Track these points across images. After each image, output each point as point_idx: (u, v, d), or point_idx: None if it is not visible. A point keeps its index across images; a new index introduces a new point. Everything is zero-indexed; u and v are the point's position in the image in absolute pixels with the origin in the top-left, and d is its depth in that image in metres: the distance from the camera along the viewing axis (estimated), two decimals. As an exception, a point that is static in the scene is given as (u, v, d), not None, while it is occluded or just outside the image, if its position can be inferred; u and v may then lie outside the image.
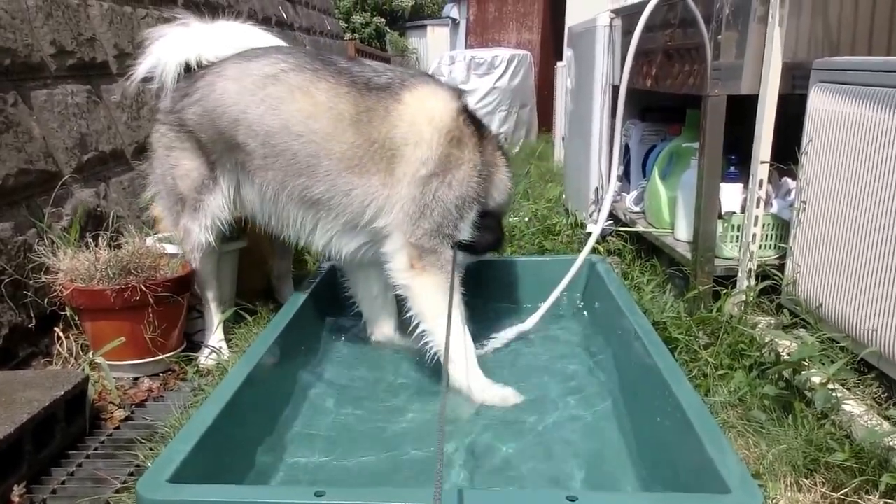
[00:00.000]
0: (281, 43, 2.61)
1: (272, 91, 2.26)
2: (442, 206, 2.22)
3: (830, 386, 1.91)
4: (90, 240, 2.51)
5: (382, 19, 18.51)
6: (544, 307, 2.56)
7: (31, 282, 2.43)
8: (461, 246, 2.35)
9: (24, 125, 2.64)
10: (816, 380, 1.94)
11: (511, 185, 2.48)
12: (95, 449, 2.04)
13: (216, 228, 2.50)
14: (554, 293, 2.59)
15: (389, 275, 2.27)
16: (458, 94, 2.36)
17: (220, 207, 2.47)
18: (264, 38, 2.59)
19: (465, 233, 2.35)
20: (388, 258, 2.27)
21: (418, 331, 2.23)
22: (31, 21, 2.86)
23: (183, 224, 2.51)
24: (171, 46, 2.46)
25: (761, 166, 2.49)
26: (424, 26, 18.65)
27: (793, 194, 2.59)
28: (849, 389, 2.03)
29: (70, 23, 3.13)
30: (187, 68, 2.45)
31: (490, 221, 2.41)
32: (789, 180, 2.72)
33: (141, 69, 2.48)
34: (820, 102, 2.29)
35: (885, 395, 2.01)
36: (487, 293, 2.75)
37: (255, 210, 2.47)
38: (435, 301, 2.18)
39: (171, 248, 2.59)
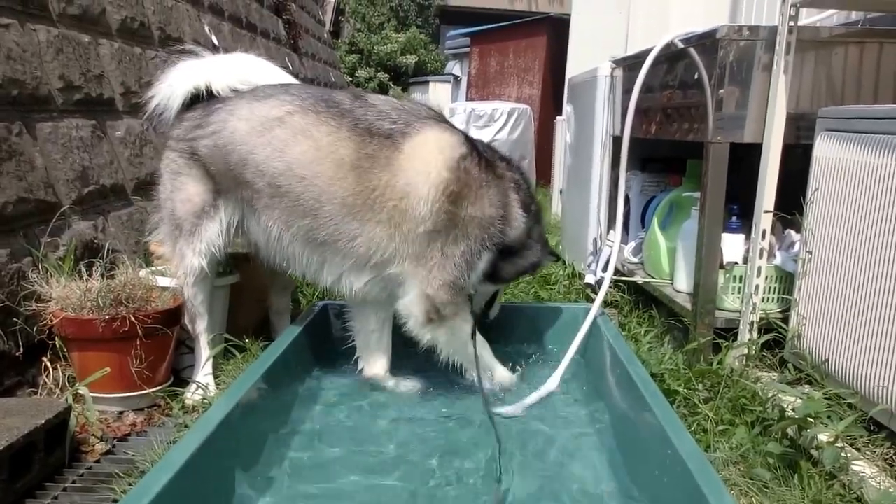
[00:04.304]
0: (291, 80, 2.62)
1: (278, 133, 2.27)
2: (452, 262, 2.21)
3: (839, 444, 1.84)
4: (83, 268, 2.47)
5: (386, 75, 18.79)
6: (564, 364, 2.46)
7: (22, 309, 2.38)
8: (489, 276, 2.38)
9: (27, 155, 2.63)
10: (824, 437, 1.86)
11: (523, 222, 2.39)
12: (73, 482, 1.96)
13: (210, 255, 2.47)
14: (571, 348, 2.50)
15: (409, 332, 2.31)
16: (463, 138, 2.32)
17: (216, 235, 2.45)
18: (275, 72, 2.60)
19: (477, 278, 2.34)
20: (404, 314, 2.30)
21: (453, 364, 2.38)
22: (42, 55, 2.88)
23: (178, 248, 2.49)
24: (182, 74, 2.49)
25: (764, 215, 2.47)
26: (427, 82, 18.91)
27: (797, 247, 2.56)
28: (858, 449, 1.95)
29: (80, 59, 3.16)
30: (197, 97, 2.46)
31: (521, 248, 2.43)
32: (793, 233, 2.69)
33: (157, 96, 2.51)
34: (826, 150, 2.29)
35: (898, 455, 1.93)
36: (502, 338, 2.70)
37: (261, 246, 2.45)
38: (460, 339, 2.32)
39: (163, 281, 2.55)
